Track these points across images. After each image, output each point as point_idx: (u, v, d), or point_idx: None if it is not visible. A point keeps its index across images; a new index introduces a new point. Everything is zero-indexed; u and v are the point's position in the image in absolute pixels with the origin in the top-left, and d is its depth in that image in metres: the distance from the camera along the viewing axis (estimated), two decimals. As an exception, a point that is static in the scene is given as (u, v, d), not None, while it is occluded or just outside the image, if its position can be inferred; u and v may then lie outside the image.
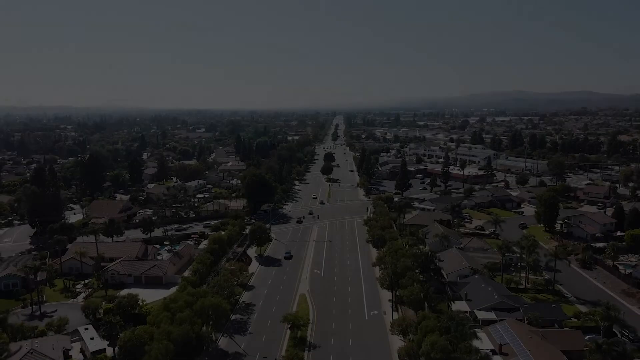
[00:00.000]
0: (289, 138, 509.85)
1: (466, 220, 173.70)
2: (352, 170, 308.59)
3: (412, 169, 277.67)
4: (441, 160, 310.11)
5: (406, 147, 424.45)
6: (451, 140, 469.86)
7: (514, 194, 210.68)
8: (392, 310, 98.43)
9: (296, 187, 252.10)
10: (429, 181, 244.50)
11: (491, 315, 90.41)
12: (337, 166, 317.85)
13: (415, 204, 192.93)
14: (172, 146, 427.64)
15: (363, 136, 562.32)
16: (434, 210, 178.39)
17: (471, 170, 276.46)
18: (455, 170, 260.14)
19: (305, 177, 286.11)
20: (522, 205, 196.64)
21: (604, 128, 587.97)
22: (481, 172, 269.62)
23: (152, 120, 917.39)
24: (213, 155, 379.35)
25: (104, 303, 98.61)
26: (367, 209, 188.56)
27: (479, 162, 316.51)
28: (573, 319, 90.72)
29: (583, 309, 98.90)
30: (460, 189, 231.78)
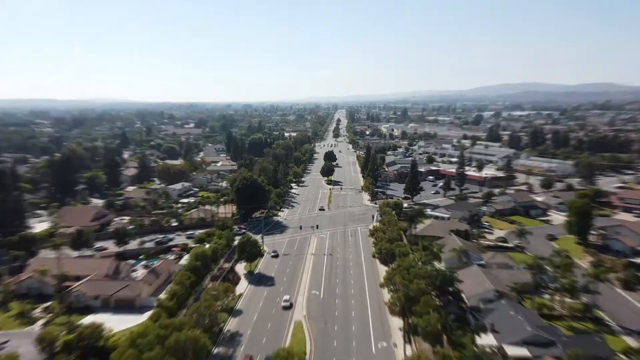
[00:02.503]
0: (286, 134, 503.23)
1: (486, 230, 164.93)
2: (350, 168, 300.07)
3: (422, 169, 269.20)
4: (454, 159, 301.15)
5: (415, 145, 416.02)
6: (465, 137, 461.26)
7: (539, 199, 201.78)
8: (404, 342, 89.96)
9: (293, 191, 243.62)
10: (441, 184, 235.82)
11: (523, 352, 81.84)
12: (339, 166, 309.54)
13: (428, 211, 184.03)
14: (157, 143, 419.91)
15: (367, 132, 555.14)
16: (449, 218, 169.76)
17: (489, 171, 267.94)
18: (470, 172, 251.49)
19: (303, 179, 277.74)
20: (548, 213, 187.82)
21: (632, 124, 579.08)
22: (500, 174, 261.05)
23: (137, 114, 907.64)
24: (201, 154, 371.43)
25: (63, 334, 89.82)
26: (373, 217, 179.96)
27: (496, 162, 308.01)
28: (622, 356, 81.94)
29: (630, 341, 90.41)
30: (477, 192, 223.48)
